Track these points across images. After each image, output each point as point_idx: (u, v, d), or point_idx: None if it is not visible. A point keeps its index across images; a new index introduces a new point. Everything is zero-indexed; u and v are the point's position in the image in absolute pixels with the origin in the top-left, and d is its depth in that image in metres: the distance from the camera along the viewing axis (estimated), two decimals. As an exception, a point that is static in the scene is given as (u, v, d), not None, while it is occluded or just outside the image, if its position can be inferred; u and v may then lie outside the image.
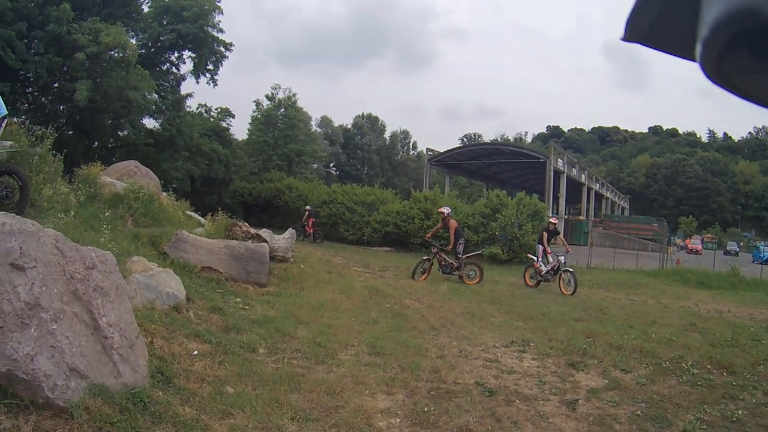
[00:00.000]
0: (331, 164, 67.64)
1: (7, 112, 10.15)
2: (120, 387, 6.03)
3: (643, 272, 23.54)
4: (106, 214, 12.75)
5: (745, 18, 0.71)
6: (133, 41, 34.13)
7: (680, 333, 10.85)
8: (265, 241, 15.58)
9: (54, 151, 13.39)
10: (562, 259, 16.87)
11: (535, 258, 17.68)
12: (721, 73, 0.84)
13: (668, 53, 1.06)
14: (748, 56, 0.79)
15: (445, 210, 18.15)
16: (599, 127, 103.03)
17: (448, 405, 6.84)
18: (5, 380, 5.33)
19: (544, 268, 17.33)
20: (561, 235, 18.74)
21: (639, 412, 6.62)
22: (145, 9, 38.14)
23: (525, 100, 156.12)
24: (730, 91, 0.88)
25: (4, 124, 10.22)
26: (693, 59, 0.86)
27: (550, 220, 18.77)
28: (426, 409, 6.68)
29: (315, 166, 54.72)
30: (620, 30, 1.06)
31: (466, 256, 17.62)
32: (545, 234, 17.80)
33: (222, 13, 37.63)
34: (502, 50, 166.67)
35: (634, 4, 0.99)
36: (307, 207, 31.54)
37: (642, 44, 1.05)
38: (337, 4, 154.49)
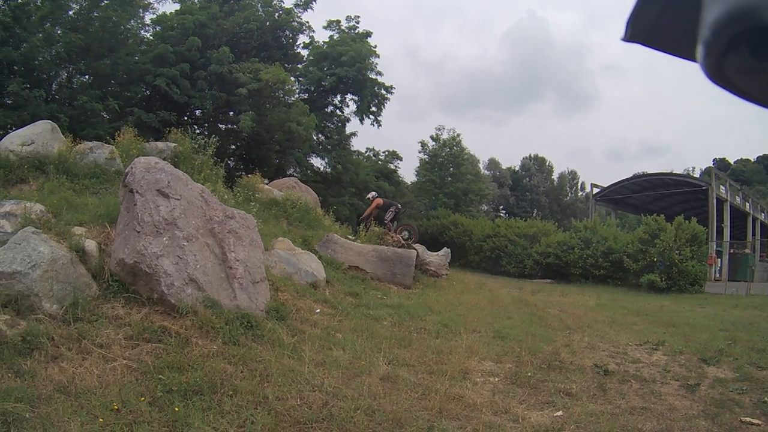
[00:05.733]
0: (500, 207, 66.93)
1: None
2: (233, 308, 6.49)
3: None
4: (262, 211, 13.46)
5: (745, 18, 0.72)
6: (294, 87, 36.13)
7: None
8: (416, 250, 15.67)
9: (216, 158, 14.60)
10: None
11: None
12: (721, 73, 0.83)
13: (669, 53, 1.06)
14: (748, 56, 0.78)
15: (371, 195, 19.51)
16: (765, 155, 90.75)
17: (556, 375, 6.33)
18: (130, 276, 6.04)
19: None
20: None
21: (766, 400, 5.64)
22: (302, 53, 40.09)
23: (691, 134, 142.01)
24: (731, 91, 0.88)
25: None
26: (693, 59, 0.86)
27: None
28: (529, 374, 6.25)
29: (484, 208, 54.03)
30: None
31: (395, 224, 18.11)
32: None
33: (378, 57, 38.79)
34: (662, 82, 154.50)
35: (635, 5, 0.99)
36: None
37: (643, 44, 1.06)
38: (493, 49, 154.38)
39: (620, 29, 1.05)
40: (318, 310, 8.46)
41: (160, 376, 4.44)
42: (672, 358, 7.75)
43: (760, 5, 0.70)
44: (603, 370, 6.76)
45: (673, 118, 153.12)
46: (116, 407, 3.80)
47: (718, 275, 29.85)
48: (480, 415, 4.81)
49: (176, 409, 3.89)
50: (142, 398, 3.99)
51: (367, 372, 5.66)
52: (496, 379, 6.18)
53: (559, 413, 5.06)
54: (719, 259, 30.87)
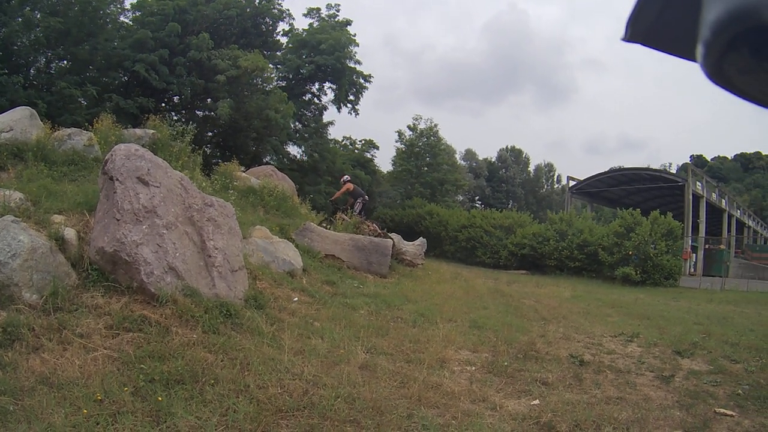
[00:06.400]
0: (476, 198, 67.66)
1: None
2: (212, 296, 6.52)
3: (779, 292, 20.92)
4: (239, 199, 13.54)
5: (745, 18, 0.72)
6: (273, 75, 36.23)
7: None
8: (392, 239, 15.73)
9: (194, 145, 14.49)
10: None
11: None
12: (721, 73, 0.84)
13: (669, 53, 1.06)
14: (748, 56, 0.79)
15: (344, 177, 19.09)
16: (741, 153, 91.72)
17: (532, 365, 6.49)
18: (110, 264, 6.02)
19: None
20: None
21: (740, 392, 5.90)
22: (282, 40, 39.95)
23: (669, 130, 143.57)
24: (731, 91, 0.88)
25: None
26: (693, 59, 0.86)
27: None
28: (506, 364, 6.41)
29: (460, 198, 54.55)
30: None
31: (364, 216, 17.78)
32: None
33: (358, 46, 38.71)
34: (642, 79, 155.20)
35: (635, 5, 1.00)
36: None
37: (643, 44, 1.06)
38: (472, 41, 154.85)
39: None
40: (296, 299, 8.50)
41: (142, 365, 4.47)
42: (646, 350, 8.01)
43: (760, 5, 0.70)
44: (578, 361, 6.96)
45: (651, 114, 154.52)
46: (99, 398, 3.83)
47: (692, 270, 30.43)
48: (458, 403, 4.92)
49: (159, 398, 3.93)
50: (125, 388, 4.01)
51: (346, 360, 5.74)
52: (473, 368, 6.32)
53: (536, 402, 5.20)
54: (694, 254, 31.42)
